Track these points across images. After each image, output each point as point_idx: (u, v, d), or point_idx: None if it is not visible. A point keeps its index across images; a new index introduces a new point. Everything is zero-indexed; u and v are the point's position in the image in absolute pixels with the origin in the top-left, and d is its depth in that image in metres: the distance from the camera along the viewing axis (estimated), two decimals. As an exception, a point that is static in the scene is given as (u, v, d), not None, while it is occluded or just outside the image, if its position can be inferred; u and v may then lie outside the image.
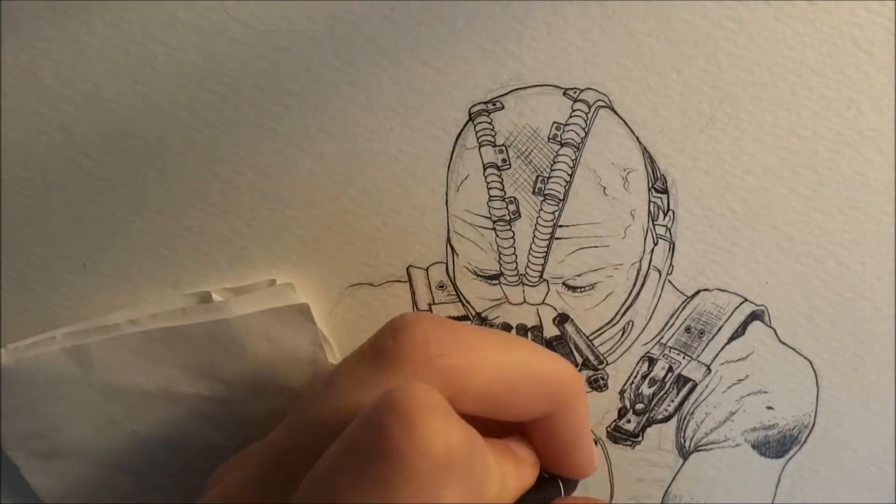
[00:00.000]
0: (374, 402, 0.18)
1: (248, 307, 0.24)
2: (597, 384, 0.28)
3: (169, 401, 0.25)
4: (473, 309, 0.27)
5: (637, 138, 0.26)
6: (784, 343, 0.28)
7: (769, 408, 0.29)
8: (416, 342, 0.20)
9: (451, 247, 0.27)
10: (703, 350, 0.28)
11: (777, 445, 0.29)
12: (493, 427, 0.21)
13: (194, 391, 0.25)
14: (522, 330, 0.28)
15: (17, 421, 0.25)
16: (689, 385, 0.29)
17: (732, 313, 0.28)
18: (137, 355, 0.25)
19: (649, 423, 0.29)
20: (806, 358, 0.28)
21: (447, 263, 0.27)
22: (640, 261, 0.27)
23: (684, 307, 0.28)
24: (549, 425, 0.22)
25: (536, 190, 0.26)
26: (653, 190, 0.26)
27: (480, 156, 0.26)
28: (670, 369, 0.28)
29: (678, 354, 0.28)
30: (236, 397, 0.25)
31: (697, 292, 0.28)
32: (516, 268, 0.27)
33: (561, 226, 0.26)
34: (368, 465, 0.17)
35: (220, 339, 0.25)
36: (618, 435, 0.29)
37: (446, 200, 0.26)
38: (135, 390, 0.25)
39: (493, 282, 0.27)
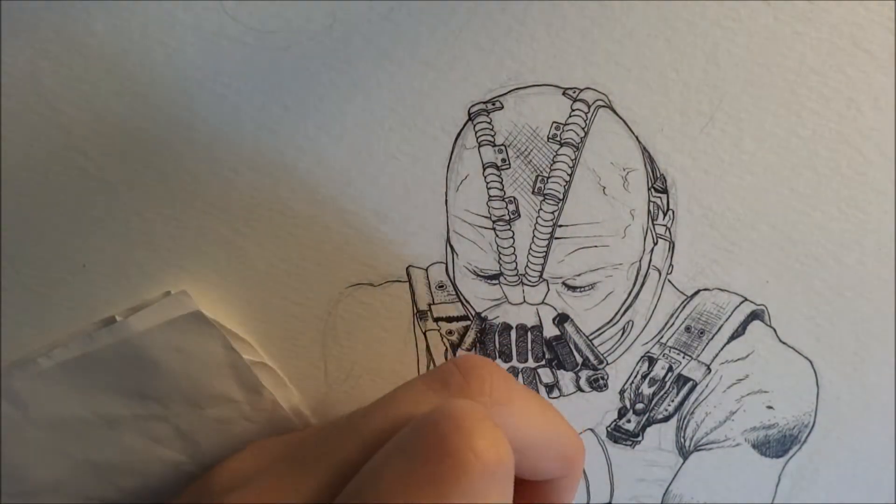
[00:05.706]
0: (430, 410, 0.19)
1: (146, 322, 0.25)
2: (597, 384, 0.28)
3: (109, 426, 0.25)
4: (473, 309, 0.27)
5: (636, 138, 0.26)
6: (784, 343, 0.28)
7: (769, 407, 0.29)
8: (483, 386, 0.21)
9: (451, 247, 0.27)
10: (703, 350, 0.28)
11: (777, 445, 0.29)
12: None
13: (130, 412, 0.25)
14: (522, 330, 0.28)
15: None
16: (689, 385, 0.29)
17: (732, 313, 0.28)
18: (62, 386, 0.25)
19: (649, 422, 0.29)
20: (806, 358, 0.28)
21: (447, 263, 0.27)
22: (640, 260, 0.27)
23: (684, 307, 0.28)
24: (547, 488, 0.24)
25: (536, 190, 0.26)
26: (652, 189, 0.26)
27: (480, 156, 0.26)
28: (670, 369, 0.28)
29: (678, 354, 0.28)
30: (173, 412, 0.26)
31: (697, 292, 0.28)
32: (516, 268, 0.27)
33: (560, 225, 0.26)
34: (422, 465, 0.18)
35: (132, 358, 0.25)
36: (618, 435, 0.29)
37: (446, 200, 0.26)
38: (74, 420, 0.25)
39: (493, 282, 0.27)
